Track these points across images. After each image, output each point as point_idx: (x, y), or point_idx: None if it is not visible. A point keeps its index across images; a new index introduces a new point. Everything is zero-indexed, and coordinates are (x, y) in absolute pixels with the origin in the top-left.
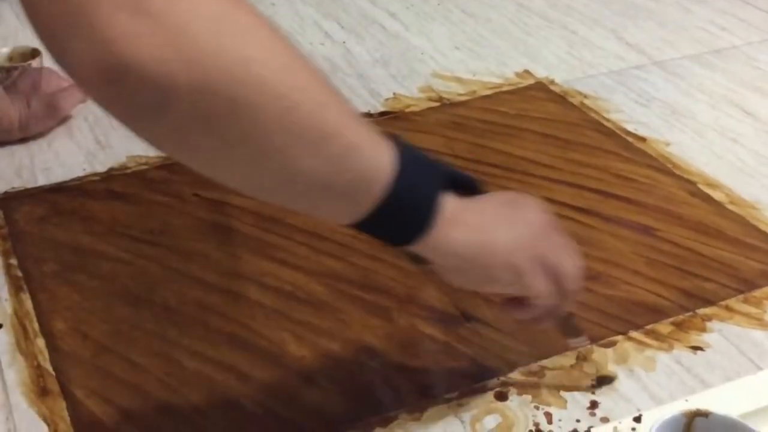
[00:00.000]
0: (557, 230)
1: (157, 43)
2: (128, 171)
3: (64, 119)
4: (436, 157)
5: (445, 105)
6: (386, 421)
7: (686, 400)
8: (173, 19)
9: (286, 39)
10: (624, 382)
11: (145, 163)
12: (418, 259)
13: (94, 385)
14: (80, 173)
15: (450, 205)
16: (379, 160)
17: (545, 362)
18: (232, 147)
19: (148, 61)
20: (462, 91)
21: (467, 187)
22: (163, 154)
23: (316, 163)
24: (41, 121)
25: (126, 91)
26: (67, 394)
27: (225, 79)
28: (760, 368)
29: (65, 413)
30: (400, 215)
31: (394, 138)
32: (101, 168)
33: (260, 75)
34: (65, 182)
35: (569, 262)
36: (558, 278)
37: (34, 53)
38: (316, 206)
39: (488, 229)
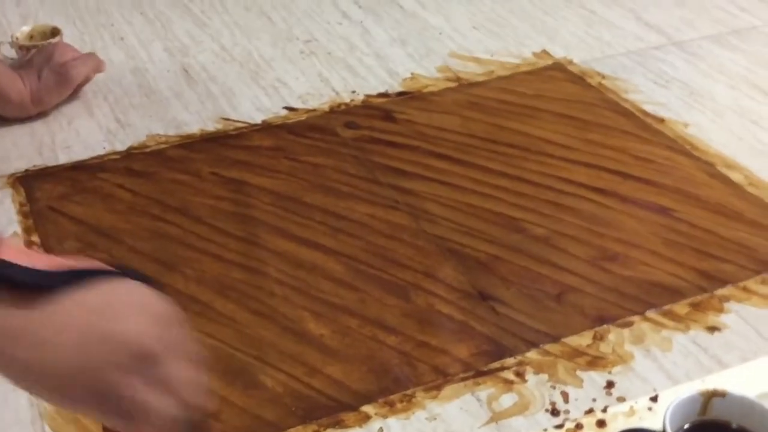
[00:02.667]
0: (163, 348)
1: None
2: (148, 150)
3: (78, 91)
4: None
5: (462, 85)
6: (404, 398)
7: (703, 381)
8: None
9: None
10: (641, 362)
11: (165, 142)
12: None
13: None
14: (100, 151)
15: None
16: None
17: (562, 342)
18: None
19: None
20: (480, 72)
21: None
22: (183, 133)
23: None
24: (53, 91)
25: None
26: None
27: None
28: None
29: None
30: None
31: None
32: (121, 146)
33: None
34: (85, 160)
35: (157, 399)
36: (140, 414)
37: (54, 32)
38: None
39: (40, 350)
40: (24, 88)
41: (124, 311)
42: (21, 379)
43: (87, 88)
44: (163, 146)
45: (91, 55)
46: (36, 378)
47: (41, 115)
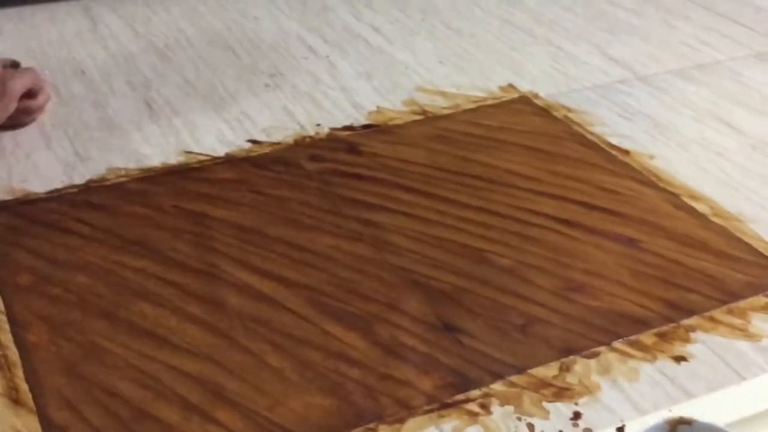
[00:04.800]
0: None
1: None
2: (107, 183)
3: (33, 121)
4: None
5: (428, 118)
6: None
7: (669, 410)
8: None
9: None
10: (607, 393)
11: (125, 176)
12: None
13: (68, 398)
14: (59, 185)
15: None
16: None
17: (528, 373)
18: None
19: None
20: (446, 105)
21: None
22: (144, 167)
23: None
24: None
25: None
26: (39, 406)
27: None
28: (744, 378)
29: (38, 425)
30: None
31: None
32: (80, 180)
33: None
34: (43, 194)
35: None
36: None
37: (15, 65)
38: None
39: None
40: None
41: None
42: None
43: (46, 121)
44: (123, 179)
45: (29, 69)
46: None
47: None
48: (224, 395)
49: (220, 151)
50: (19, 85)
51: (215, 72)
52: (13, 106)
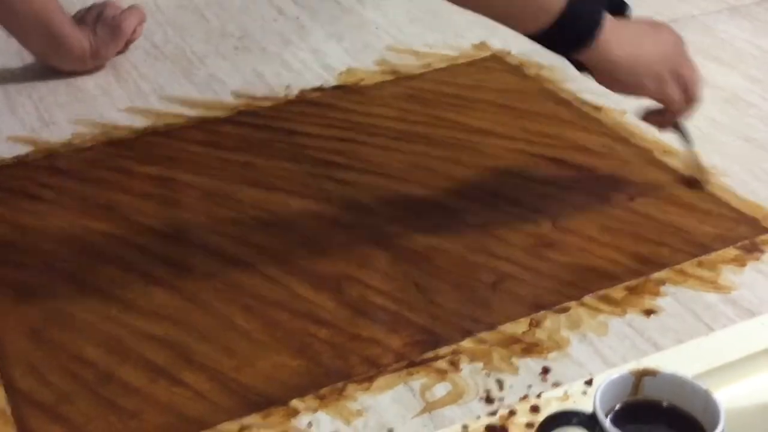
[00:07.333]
0: (686, 50)
1: None
2: (73, 148)
3: (126, 47)
4: None
5: (400, 78)
6: (335, 392)
7: (638, 363)
8: None
9: None
10: (576, 347)
11: (91, 140)
12: (581, 68)
13: (33, 364)
14: (24, 151)
15: (609, 23)
16: None
17: (498, 329)
18: None
19: None
20: (417, 64)
21: (619, 10)
22: (110, 131)
23: None
24: (109, 45)
25: None
26: (4, 372)
27: None
28: (712, 330)
29: (2, 391)
30: (571, 30)
31: None
32: (45, 145)
33: None
34: (8, 159)
35: (696, 75)
36: (686, 88)
37: None
38: (521, 21)
39: (638, 44)
40: (86, 43)
41: (662, 27)
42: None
43: (11, 87)
44: (89, 144)
45: (134, 7)
46: (622, 64)
47: None
48: (191, 357)
49: (188, 114)
50: (132, 24)
51: (183, 36)
52: (122, 44)
